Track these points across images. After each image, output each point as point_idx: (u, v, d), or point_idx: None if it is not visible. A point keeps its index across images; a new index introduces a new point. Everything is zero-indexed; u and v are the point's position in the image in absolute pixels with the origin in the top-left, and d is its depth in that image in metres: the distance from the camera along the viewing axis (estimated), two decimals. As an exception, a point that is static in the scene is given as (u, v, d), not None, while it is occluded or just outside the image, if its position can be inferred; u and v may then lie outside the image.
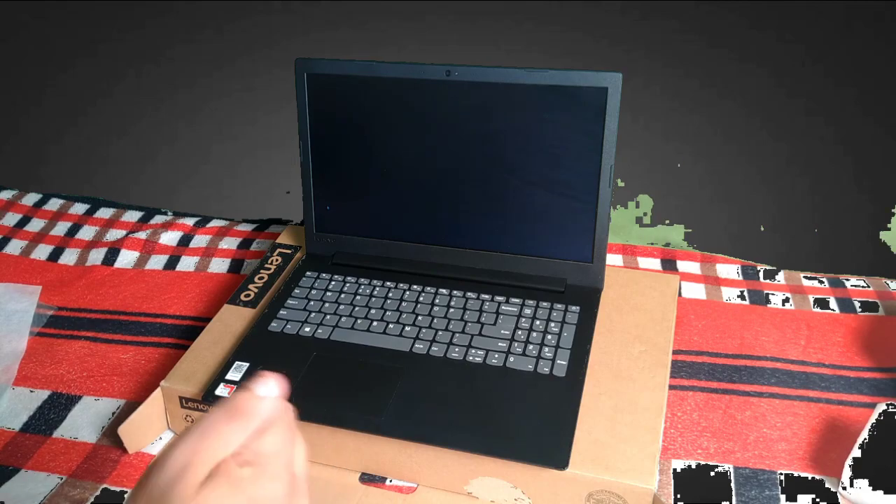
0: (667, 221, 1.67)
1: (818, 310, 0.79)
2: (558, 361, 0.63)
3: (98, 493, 0.62)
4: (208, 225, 0.96)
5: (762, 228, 1.60)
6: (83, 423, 0.69)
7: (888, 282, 0.82)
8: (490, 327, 0.67)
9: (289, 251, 0.82)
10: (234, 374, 0.64)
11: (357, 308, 0.70)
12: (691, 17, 2.22)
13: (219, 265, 0.89)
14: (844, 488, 0.58)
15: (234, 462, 0.34)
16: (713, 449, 0.63)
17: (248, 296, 0.75)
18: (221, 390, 0.63)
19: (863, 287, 0.82)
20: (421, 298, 0.71)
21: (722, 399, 0.68)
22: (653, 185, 1.78)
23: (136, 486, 0.34)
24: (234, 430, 0.35)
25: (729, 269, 0.85)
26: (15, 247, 0.95)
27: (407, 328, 0.68)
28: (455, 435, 0.58)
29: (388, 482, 0.62)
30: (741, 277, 0.83)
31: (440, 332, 0.67)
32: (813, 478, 0.61)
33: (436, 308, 0.70)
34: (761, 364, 0.72)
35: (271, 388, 0.37)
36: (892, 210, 1.66)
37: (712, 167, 1.87)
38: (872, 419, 0.60)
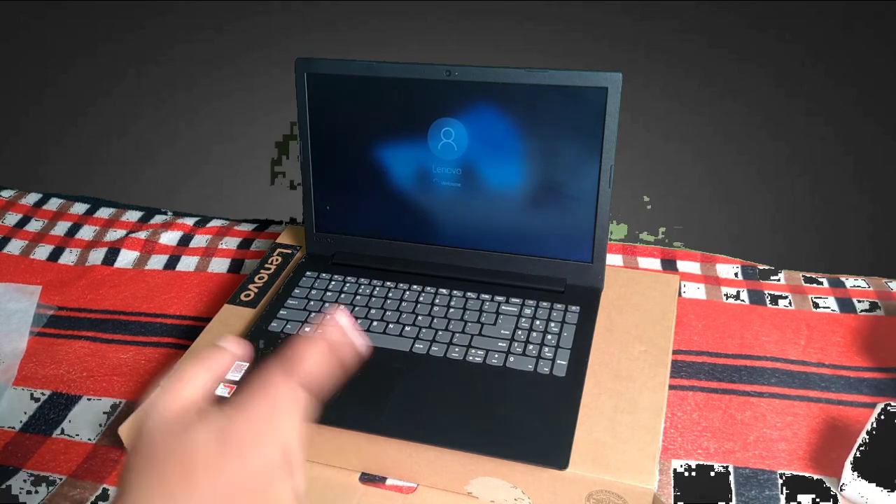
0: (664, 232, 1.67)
1: (818, 310, 0.79)
2: (558, 361, 0.63)
3: (98, 493, 0.62)
4: (208, 225, 0.96)
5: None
6: (83, 423, 0.69)
7: (888, 282, 0.82)
8: (490, 327, 0.67)
9: (289, 251, 0.82)
10: (234, 374, 0.64)
11: (357, 308, 0.70)
12: (691, 17, 2.22)
13: (219, 265, 0.89)
14: (844, 488, 0.58)
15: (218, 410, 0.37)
16: (713, 449, 0.63)
17: (248, 296, 0.75)
18: (221, 390, 0.63)
19: (863, 287, 0.82)
20: (421, 298, 0.71)
21: (722, 399, 0.68)
22: (653, 185, 1.78)
23: (135, 438, 0.37)
24: (200, 372, 0.39)
25: (729, 269, 0.85)
26: (15, 247, 0.95)
27: (407, 328, 0.68)
28: (455, 435, 0.58)
29: (387, 482, 0.62)
30: (741, 277, 0.83)
31: (440, 332, 0.67)
32: (813, 478, 0.61)
33: (436, 308, 0.70)
34: (761, 364, 0.72)
35: (232, 345, 0.41)
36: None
37: (712, 167, 1.87)
38: (872, 419, 0.60)
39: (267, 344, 0.68)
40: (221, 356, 0.40)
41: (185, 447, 0.35)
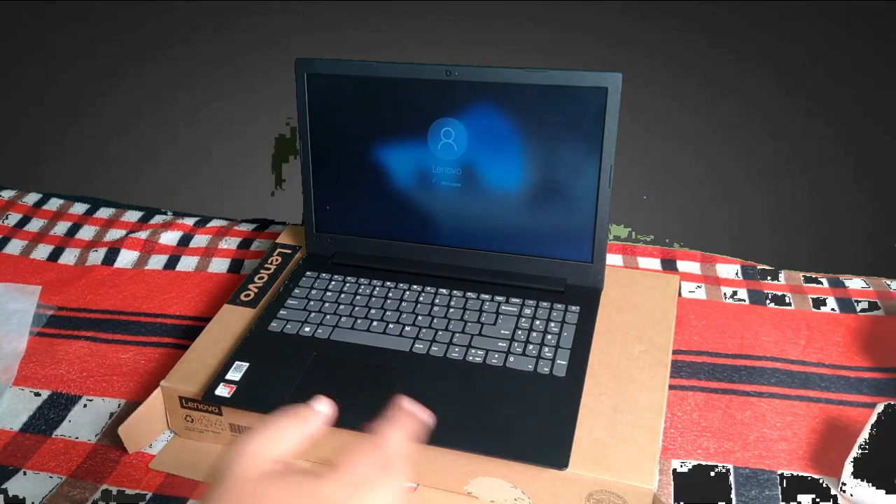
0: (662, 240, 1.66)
1: (818, 310, 0.79)
2: (558, 361, 0.63)
3: (98, 493, 0.62)
4: (208, 225, 0.96)
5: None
6: (83, 423, 0.69)
7: (888, 282, 0.82)
8: (490, 327, 0.67)
9: (289, 251, 0.82)
10: (234, 374, 0.64)
11: (357, 308, 0.70)
12: (691, 17, 2.21)
13: (219, 265, 0.89)
14: (844, 488, 0.58)
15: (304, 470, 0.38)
16: (713, 449, 0.63)
17: (248, 296, 0.75)
18: (221, 390, 0.63)
19: (863, 287, 0.82)
20: (421, 298, 0.71)
21: (722, 399, 0.68)
22: (653, 185, 1.78)
23: (209, 476, 0.38)
24: (291, 429, 0.40)
25: (729, 269, 0.85)
26: (15, 247, 0.95)
27: (407, 328, 0.68)
28: (455, 435, 0.58)
29: (388, 482, 0.62)
30: (741, 277, 0.83)
31: (440, 332, 0.67)
32: (813, 478, 0.61)
33: (436, 308, 0.70)
34: (761, 364, 0.72)
35: (324, 406, 0.42)
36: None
37: (712, 167, 1.87)
38: (872, 419, 0.61)
39: (267, 344, 0.68)
40: (313, 417, 0.41)
41: (268, 498, 0.35)
